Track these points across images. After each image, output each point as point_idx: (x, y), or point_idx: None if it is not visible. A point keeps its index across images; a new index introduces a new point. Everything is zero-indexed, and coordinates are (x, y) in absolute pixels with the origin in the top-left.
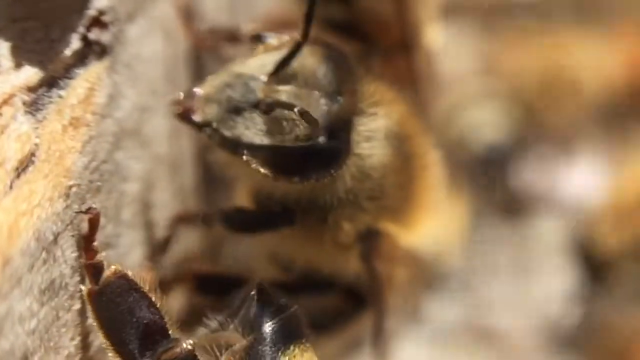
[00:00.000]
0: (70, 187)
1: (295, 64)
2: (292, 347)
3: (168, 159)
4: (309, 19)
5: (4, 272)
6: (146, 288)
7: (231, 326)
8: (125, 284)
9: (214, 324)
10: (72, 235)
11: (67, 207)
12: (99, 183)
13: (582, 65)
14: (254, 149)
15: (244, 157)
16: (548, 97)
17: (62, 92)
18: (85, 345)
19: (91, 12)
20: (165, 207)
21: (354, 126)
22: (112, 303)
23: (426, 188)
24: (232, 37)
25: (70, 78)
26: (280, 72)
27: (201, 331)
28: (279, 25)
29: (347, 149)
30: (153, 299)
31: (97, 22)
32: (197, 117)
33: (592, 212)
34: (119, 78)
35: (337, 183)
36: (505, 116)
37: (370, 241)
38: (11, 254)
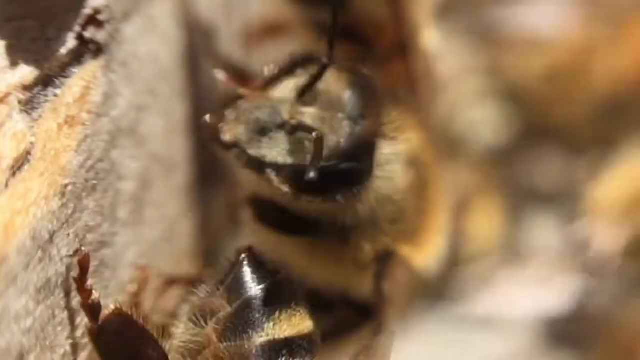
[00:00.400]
0: (66, 185)
1: (322, 86)
2: (277, 313)
3: (164, 157)
4: (332, 40)
5: None
6: (143, 322)
7: (218, 293)
8: (123, 322)
9: (202, 292)
10: (68, 234)
11: (62, 205)
12: (94, 182)
13: (590, 60)
14: (277, 168)
15: (268, 176)
16: (554, 95)
17: (57, 91)
18: (81, 343)
19: (87, 10)
20: (160, 206)
21: (376, 149)
22: (113, 340)
23: (438, 212)
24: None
25: (66, 77)
26: (306, 94)
27: (190, 300)
28: (274, 29)
29: (369, 171)
30: (151, 333)
31: (93, 20)
32: (225, 137)
33: (591, 209)
34: (115, 77)
35: (360, 204)
36: (505, 115)
37: (386, 262)
38: (7, 253)
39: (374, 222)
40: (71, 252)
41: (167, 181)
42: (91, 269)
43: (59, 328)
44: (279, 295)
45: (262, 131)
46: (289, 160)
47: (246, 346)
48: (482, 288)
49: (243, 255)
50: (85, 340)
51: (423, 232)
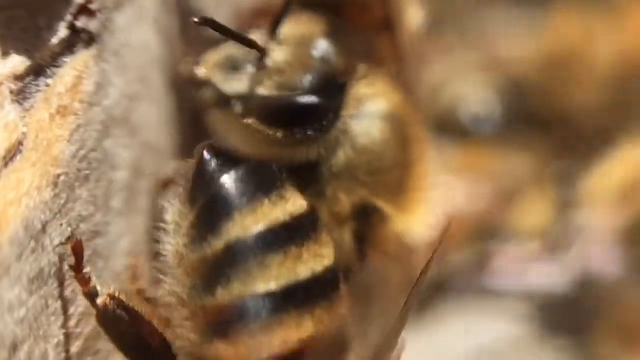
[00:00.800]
0: (59, 175)
1: (297, 29)
2: (260, 198)
3: (157, 146)
4: None
5: None
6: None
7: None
8: (119, 307)
9: (164, 205)
10: (61, 224)
11: (55, 195)
12: (87, 172)
13: (591, 43)
14: (245, 100)
15: (236, 111)
16: (552, 82)
17: (49, 81)
18: (75, 333)
19: (79, 0)
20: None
21: (348, 91)
22: (114, 323)
23: (421, 176)
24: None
25: (57, 66)
26: (279, 34)
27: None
28: (265, 14)
29: (337, 110)
30: (146, 317)
31: (85, 10)
32: (200, 73)
33: (589, 195)
34: (107, 66)
35: (336, 154)
36: (494, 89)
37: (366, 219)
38: (0, 244)
39: (351, 173)
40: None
41: (160, 171)
42: (85, 258)
43: (53, 318)
44: (254, 181)
45: (234, 68)
46: (257, 92)
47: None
48: (479, 272)
49: (202, 151)
50: (79, 329)
51: (405, 193)
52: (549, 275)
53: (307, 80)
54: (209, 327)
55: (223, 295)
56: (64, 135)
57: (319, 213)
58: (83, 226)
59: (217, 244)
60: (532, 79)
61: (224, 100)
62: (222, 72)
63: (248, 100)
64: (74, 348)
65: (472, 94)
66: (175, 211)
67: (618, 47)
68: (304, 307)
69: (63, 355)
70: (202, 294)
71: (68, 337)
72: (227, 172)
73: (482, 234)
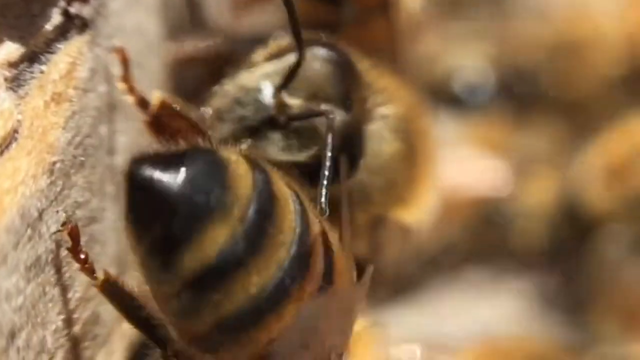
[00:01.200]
0: (54, 163)
1: (300, 74)
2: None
3: None
4: (297, 31)
5: None
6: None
7: None
8: (112, 286)
9: None
10: (57, 211)
11: (51, 183)
12: (82, 158)
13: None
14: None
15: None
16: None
17: (43, 67)
18: (72, 318)
19: None
20: None
21: (365, 131)
22: (113, 296)
23: (428, 172)
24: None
25: (51, 53)
26: (287, 85)
27: None
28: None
29: (361, 154)
30: (139, 300)
31: None
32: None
33: (582, 171)
34: (101, 52)
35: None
36: (489, 60)
37: (379, 227)
38: None
39: (365, 194)
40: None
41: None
42: (82, 243)
43: (50, 304)
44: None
45: (249, 129)
46: (284, 157)
47: None
48: (478, 248)
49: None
50: (77, 315)
51: (414, 193)
52: (548, 253)
53: (337, 134)
54: (191, 342)
55: (196, 323)
56: (59, 122)
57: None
58: (79, 212)
59: (173, 282)
60: (531, 53)
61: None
62: (236, 131)
63: (278, 166)
64: (72, 333)
65: (467, 63)
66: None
67: (624, 21)
68: (273, 310)
69: (61, 340)
70: (175, 319)
71: (66, 322)
72: (161, 201)
73: (484, 210)
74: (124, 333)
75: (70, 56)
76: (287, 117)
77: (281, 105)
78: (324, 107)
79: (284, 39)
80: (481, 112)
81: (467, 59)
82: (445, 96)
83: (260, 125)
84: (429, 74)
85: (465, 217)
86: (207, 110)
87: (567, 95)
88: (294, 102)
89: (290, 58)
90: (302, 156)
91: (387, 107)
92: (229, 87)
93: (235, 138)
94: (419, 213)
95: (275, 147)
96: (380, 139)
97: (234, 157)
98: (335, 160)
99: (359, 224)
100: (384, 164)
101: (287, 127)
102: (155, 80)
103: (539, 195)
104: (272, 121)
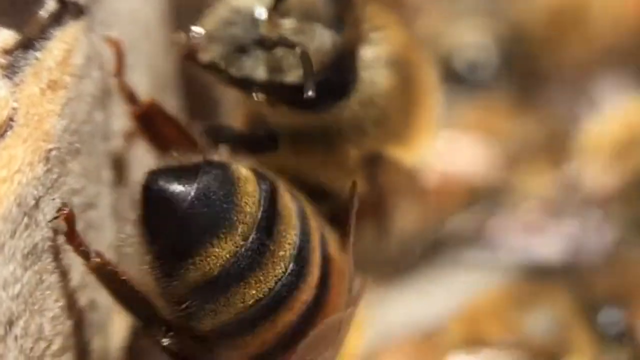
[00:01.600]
0: (50, 150)
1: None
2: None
3: None
4: None
5: None
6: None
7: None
8: (107, 270)
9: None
10: (53, 199)
11: (47, 170)
12: (78, 145)
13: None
14: (262, 86)
15: (254, 95)
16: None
17: (38, 54)
18: (70, 305)
19: None
20: (145, 165)
21: (358, 55)
22: (107, 279)
23: (426, 111)
24: None
25: (46, 39)
26: (279, 5)
27: None
28: None
29: (354, 79)
30: (132, 285)
31: None
32: (202, 57)
33: (584, 152)
34: (97, 38)
35: (343, 111)
36: (492, 36)
37: (375, 165)
38: None
39: (358, 126)
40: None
41: None
42: (77, 230)
43: (48, 292)
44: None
45: (240, 48)
46: (273, 77)
47: None
48: (474, 233)
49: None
50: (74, 301)
51: (411, 130)
52: (546, 243)
53: (327, 56)
54: (188, 339)
55: (198, 326)
56: (55, 110)
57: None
58: (75, 199)
59: (176, 289)
60: (532, 28)
61: (239, 84)
62: (226, 52)
63: (266, 87)
64: (69, 321)
65: (468, 40)
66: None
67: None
68: (268, 319)
69: (59, 327)
70: (176, 319)
71: (64, 309)
72: (172, 215)
73: (481, 196)
74: (122, 319)
75: (65, 43)
76: (272, 41)
77: (272, 25)
78: (309, 33)
79: None
80: (482, 93)
81: (468, 36)
82: (446, 76)
83: (250, 44)
84: (429, 52)
85: (460, 201)
86: (199, 31)
87: (567, 65)
88: (285, 22)
89: None
90: (290, 76)
91: (382, 35)
92: (220, 9)
93: (225, 59)
94: (418, 152)
95: (263, 67)
96: (374, 67)
97: (244, 173)
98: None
99: (352, 158)
100: (378, 94)
101: (273, 50)
102: (151, 65)
103: (536, 181)
104: (262, 41)
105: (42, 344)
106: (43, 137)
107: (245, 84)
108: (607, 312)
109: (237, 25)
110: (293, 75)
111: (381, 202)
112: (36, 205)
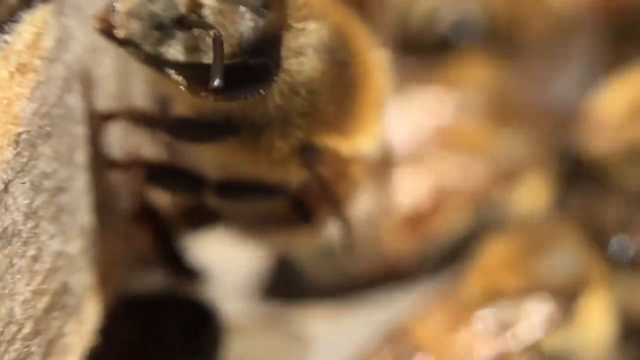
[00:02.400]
0: (20, 134)
1: None
2: None
3: (120, 99)
4: None
5: None
6: None
7: None
8: None
9: None
10: (23, 183)
11: (17, 154)
12: (49, 128)
13: None
14: (178, 66)
15: (170, 75)
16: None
17: (7, 37)
18: (41, 289)
19: None
20: (118, 147)
21: (282, 42)
22: None
23: (368, 95)
24: None
25: (15, 22)
26: None
27: None
28: None
29: (276, 66)
30: None
31: None
32: (119, 34)
33: (586, 122)
34: (67, 20)
35: (266, 100)
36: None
37: (308, 154)
38: None
39: (284, 117)
40: (27, 200)
41: (124, 122)
42: (49, 215)
43: (18, 276)
44: None
45: (158, 26)
46: (189, 58)
47: None
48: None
49: None
50: (45, 285)
51: (350, 119)
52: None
53: (246, 41)
54: None
55: None
56: (24, 93)
57: None
58: (47, 183)
59: None
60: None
61: (155, 63)
62: (145, 29)
63: (182, 67)
64: (41, 304)
65: (450, 3)
66: None
67: None
68: None
69: (30, 311)
70: None
71: (35, 293)
72: None
73: (474, 211)
74: (95, 302)
75: (35, 26)
76: (190, 21)
77: (192, 4)
78: (230, 15)
79: None
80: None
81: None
82: (427, 43)
83: (170, 23)
84: (407, 20)
85: (452, 215)
86: (118, 6)
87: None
88: (207, 2)
89: None
90: (205, 59)
91: (313, 21)
92: None
93: (143, 36)
94: (360, 145)
95: (180, 47)
96: (301, 54)
97: None
98: None
99: (279, 149)
100: (303, 83)
101: (191, 30)
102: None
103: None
104: (181, 20)
105: (13, 328)
106: (12, 120)
107: (161, 64)
108: (617, 240)
109: (157, 2)
110: (209, 58)
111: (326, 193)
112: (5, 189)
